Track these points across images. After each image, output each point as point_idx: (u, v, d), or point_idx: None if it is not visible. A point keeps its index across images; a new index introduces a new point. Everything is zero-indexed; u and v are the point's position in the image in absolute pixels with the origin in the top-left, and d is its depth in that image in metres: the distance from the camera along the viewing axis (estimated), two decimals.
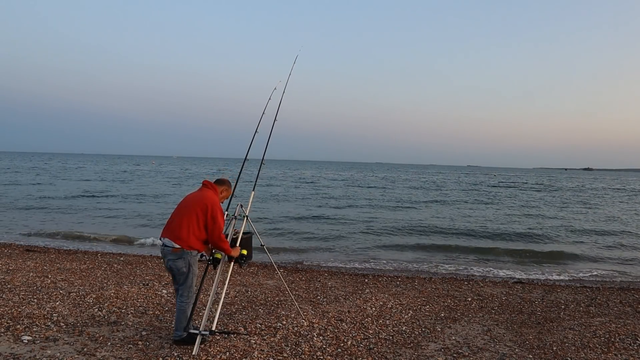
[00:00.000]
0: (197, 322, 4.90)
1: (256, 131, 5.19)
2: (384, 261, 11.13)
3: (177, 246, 4.22)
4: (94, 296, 6.11)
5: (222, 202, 4.56)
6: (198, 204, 4.29)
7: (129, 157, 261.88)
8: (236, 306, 6.08)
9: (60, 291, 6.30)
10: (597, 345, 5.03)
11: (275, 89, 5.44)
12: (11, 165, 69.03)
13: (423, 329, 5.45)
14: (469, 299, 7.11)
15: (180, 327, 4.35)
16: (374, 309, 6.24)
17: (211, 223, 4.26)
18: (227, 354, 4.25)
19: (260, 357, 4.24)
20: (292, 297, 5.98)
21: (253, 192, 5.03)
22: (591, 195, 40.71)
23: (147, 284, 7.08)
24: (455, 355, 4.63)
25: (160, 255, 4.94)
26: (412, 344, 4.90)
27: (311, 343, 4.70)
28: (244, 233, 4.69)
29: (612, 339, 5.22)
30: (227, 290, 6.81)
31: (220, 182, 4.61)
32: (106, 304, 5.76)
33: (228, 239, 4.61)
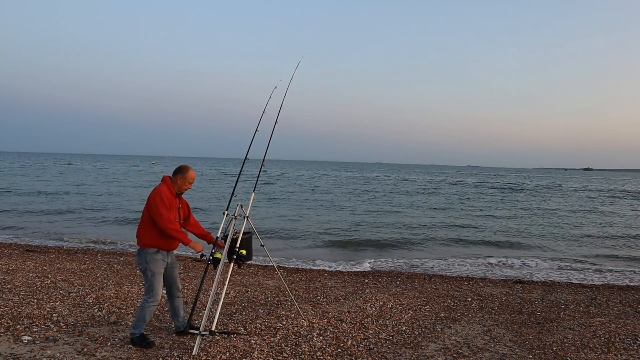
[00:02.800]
0: (197, 322, 4.90)
1: (256, 130, 5.18)
2: (384, 261, 11.13)
3: (138, 247, 4.31)
4: (94, 296, 6.11)
5: (182, 192, 4.43)
6: (147, 200, 4.29)
7: (122, 157, 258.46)
8: (236, 306, 6.08)
9: (60, 291, 6.30)
10: (597, 346, 5.03)
11: (275, 87, 5.44)
12: (41, 165, 69.58)
13: (423, 329, 5.45)
14: (469, 299, 7.11)
15: (136, 325, 4.34)
16: (374, 309, 6.24)
17: (153, 214, 4.19)
18: (227, 354, 4.25)
19: (260, 357, 4.24)
20: (292, 297, 5.98)
21: (253, 193, 5.03)
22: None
23: None
24: (455, 355, 4.63)
25: None
26: (412, 344, 4.90)
27: (311, 343, 4.70)
28: (244, 233, 4.69)
29: (612, 339, 5.22)
30: (227, 290, 6.81)
31: (174, 170, 4.43)
32: (106, 304, 5.76)
33: (228, 239, 4.61)
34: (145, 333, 4.45)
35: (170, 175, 4.41)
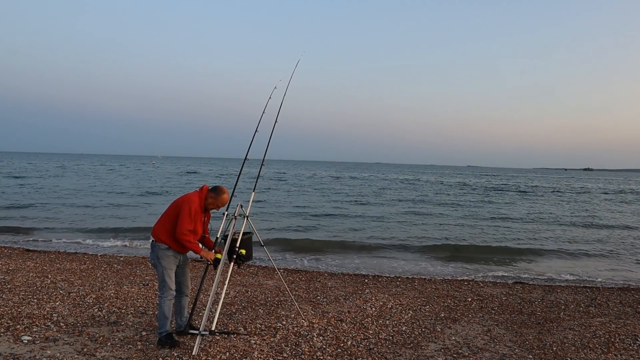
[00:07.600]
0: (197, 322, 4.90)
1: (256, 130, 5.19)
2: (384, 261, 11.12)
3: (152, 238, 4.34)
4: (94, 296, 6.11)
5: (208, 209, 4.49)
6: (175, 201, 4.37)
7: (117, 157, 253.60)
8: (236, 306, 6.08)
9: (60, 291, 6.31)
10: (597, 346, 5.03)
11: (275, 87, 5.44)
12: (46, 166, 68.95)
13: (423, 329, 5.45)
14: (469, 299, 7.11)
15: (160, 325, 4.36)
16: (374, 309, 6.23)
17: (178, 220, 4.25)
18: (227, 354, 4.25)
19: (260, 358, 4.24)
20: (292, 297, 5.99)
21: (253, 193, 5.03)
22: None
23: (147, 284, 7.08)
24: (455, 355, 4.63)
25: None
26: (412, 344, 4.90)
27: (311, 343, 4.70)
28: (244, 233, 4.69)
29: (612, 339, 5.22)
30: (227, 290, 6.81)
31: (211, 189, 4.52)
32: (106, 304, 5.76)
33: (228, 239, 4.61)
34: (171, 332, 4.45)
35: (209, 187, 4.49)
